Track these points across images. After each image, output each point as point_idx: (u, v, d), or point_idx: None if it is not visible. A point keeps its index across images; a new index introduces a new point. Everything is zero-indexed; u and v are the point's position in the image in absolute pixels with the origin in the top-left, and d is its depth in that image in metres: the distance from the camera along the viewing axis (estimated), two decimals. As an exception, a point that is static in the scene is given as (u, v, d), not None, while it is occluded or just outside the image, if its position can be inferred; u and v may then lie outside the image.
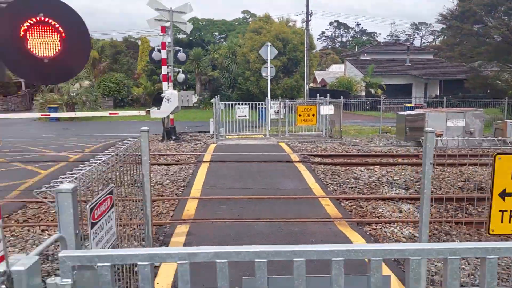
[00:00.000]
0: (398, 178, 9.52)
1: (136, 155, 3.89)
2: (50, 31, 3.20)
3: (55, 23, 3.19)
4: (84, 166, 2.57)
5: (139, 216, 3.94)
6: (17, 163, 11.17)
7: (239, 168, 10.38)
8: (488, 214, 3.32)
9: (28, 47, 3.17)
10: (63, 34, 3.21)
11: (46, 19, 3.16)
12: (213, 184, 8.80)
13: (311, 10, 34.22)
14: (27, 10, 3.16)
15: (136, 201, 3.94)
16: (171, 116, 16.16)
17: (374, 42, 70.27)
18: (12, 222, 6.66)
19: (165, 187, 8.86)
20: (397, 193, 8.43)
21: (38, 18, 3.14)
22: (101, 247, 2.61)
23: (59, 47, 3.22)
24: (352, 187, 8.86)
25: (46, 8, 3.18)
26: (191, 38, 46.89)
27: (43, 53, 3.20)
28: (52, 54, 3.22)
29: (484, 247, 1.65)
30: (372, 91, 40.07)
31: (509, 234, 3.42)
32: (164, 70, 15.56)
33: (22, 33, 3.15)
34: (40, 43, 3.19)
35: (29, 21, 3.14)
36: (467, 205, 7.43)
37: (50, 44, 3.21)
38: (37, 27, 3.17)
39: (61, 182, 2.23)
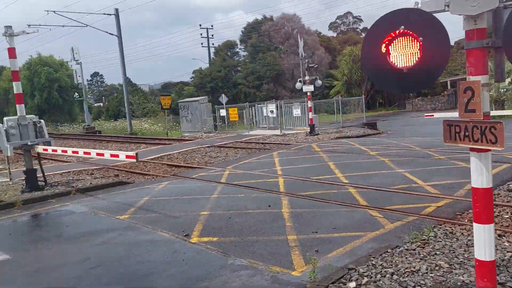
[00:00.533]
0: None
1: None
2: (410, 41, 3.26)
3: (415, 33, 3.20)
4: None
5: None
6: (457, 161, 11.42)
7: None
8: None
9: (391, 60, 3.35)
10: (423, 43, 3.19)
11: (407, 31, 3.24)
12: None
13: None
14: (389, 26, 3.31)
15: None
16: None
17: None
18: (465, 221, 6.74)
19: None
20: None
21: (398, 32, 3.27)
22: None
23: (419, 56, 3.23)
24: None
25: (407, 20, 3.23)
26: None
27: (403, 63, 3.31)
28: (411, 64, 3.27)
29: None
30: None
31: None
32: None
33: (384, 48, 3.37)
34: (400, 55, 3.32)
35: (390, 36, 3.33)
36: None
37: (410, 54, 3.28)
38: (398, 40, 3.31)
39: None
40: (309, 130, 21.64)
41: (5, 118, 10.99)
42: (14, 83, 11.04)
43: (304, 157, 14.39)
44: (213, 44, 58.03)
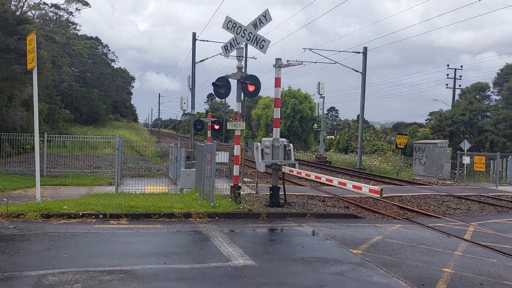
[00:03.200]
0: None
1: None
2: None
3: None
4: None
5: None
6: None
7: None
8: None
9: None
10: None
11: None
12: None
13: None
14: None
15: None
16: None
17: None
18: None
19: None
20: None
21: None
22: None
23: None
24: None
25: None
26: None
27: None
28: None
29: None
30: None
31: None
32: None
33: None
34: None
35: None
36: None
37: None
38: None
39: None
40: None
41: (263, 139, 12.49)
42: (274, 109, 12.46)
43: None
44: (459, 86, 53.21)
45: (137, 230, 9.27)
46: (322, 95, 35.87)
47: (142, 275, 6.28)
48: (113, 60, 71.53)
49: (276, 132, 12.41)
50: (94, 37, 68.35)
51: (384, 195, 16.59)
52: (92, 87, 53.68)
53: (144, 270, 6.48)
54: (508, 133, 43.82)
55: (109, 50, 70.98)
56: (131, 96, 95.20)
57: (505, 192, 19.46)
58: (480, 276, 6.90)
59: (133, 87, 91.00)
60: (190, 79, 30.19)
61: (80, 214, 10.09)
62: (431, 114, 64.14)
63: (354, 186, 8.87)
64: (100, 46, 67.28)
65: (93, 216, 10.12)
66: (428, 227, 11.06)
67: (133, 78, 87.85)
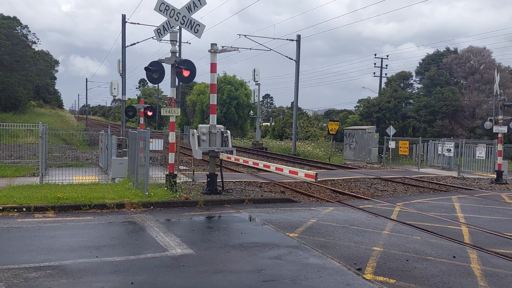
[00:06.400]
0: None
1: None
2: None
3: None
4: None
5: None
6: None
7: None
8: None
9: None
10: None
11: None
12: None
13: None
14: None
15: None
16: None
17: None
18: None
19: None
20: None
21: None
22: None
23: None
24: None
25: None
26: None
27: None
28: None
29: None
30: None
31: None
32: None
33: None
34: None
35: None
36: None
37: None
38: None
39: None
40: (495, 177, 18.71)
41: (199, 125, 12.28)
42: (211, 95, 12.29)
43: (492, 208, 12.39)
44: (385, 74, 56.26)
45: (65, 223, 8.73)
46: (258, 82, 36.08)
47: (72, 270, 5.92)
48: (34, 42, 66.16)
49: (213, 118, 12.26)
50: (11, 16, 62.70)
51: (318, 179, 17.20)
52: (11, 71, 49.41)
53: (74, 265, 6.12)
54: (429, 119, 47.22)
55: (29, 31, 65.45)
56: (55, 81, 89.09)
57: (426, 174, 20.99)
58: (406, 253, 7.37)
59: (57, 71, 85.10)
60: (121, 63, 28.84)
61: (1, 208, 9.30)
62: (360, 101, 67.19)
63: (290, 172, 9.04)
64: (19, 27, 61.87)
65: (16, 210, 9.38)
66: (359, 208, 11.60)
67: (57, 62, 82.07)
